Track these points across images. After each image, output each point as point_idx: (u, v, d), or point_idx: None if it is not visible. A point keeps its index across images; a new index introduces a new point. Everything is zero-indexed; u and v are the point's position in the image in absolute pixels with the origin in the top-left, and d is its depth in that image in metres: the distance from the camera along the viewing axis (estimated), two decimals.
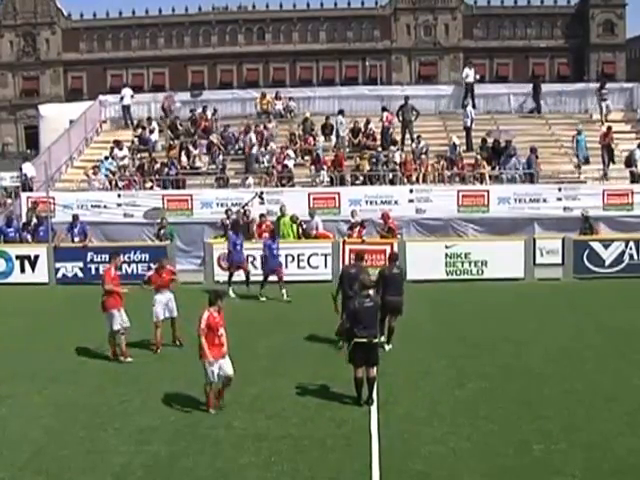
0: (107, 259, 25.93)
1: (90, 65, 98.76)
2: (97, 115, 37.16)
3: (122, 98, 37.00)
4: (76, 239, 26.83)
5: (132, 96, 37.11)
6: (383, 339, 16.99)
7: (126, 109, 36.70)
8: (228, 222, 26.89)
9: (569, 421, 13.06)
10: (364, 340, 13.82)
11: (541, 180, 29.93)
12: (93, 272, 25.55)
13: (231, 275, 24.04)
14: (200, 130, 34.26)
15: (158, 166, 31.57)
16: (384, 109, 33.53)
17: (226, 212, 27.52)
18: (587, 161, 30.99)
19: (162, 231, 26.85)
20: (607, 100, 34.20)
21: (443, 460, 11.68)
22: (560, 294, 23.59)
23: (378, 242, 26.09)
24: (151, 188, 30.70)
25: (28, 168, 31.97)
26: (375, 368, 14.08)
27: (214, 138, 33.23)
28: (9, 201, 34.41)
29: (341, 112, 33.53)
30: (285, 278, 24.91)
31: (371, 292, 14.47)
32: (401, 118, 33.03)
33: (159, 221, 27.34)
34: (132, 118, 36.59)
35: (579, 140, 31.04)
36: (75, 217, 27.33)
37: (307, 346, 17.89)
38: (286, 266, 25.46)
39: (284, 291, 23.16)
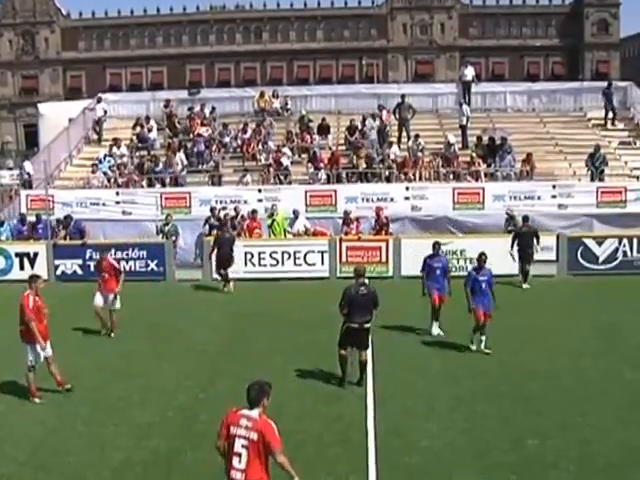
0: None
1: (89, 64, 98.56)
2: (96, 113, 36.99)
3: (92, 110, 36.23)
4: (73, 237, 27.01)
5: (105, 111, 36.01)
6: (525, 285, 24.09)
7: (98, 123, 35.92)
8: (213, 220, 27.07)
9: (563, 417, 13.21)
10: (356, 326, 14.60)
11: (535, 178, 30.10)
12: (92, 269, 25.69)
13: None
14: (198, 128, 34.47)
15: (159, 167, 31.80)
16: (382, 107, 33.71)
17: (211, 210, 27.71)
18: None
19: (167, 227, 27.05)
20: None
21: (439, 455, 11.82)
22: (554, 291, 23.74)
23: (374, 239, 26.28)
24: (149, 186, 30.82)
25: (28, 166, 32.18)
26: (366, 352, 14.88)
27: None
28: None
29: (373, 116, 33.57)
30: (282, 275, 25.10)
31: (366, 280, 15.11)
32: (397, 116, 33.17)
33: (164, 217, 27.53)
34: (102, 133, 35.82)
35: None
36: (68, 217, 27.48)
37: (304, 342, 17.94)
38: (282, 263, 25.66)
39: (483, 338, 17.34)
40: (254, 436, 8.37)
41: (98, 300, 19.03)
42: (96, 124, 35.96)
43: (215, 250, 24.41)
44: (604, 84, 36.71)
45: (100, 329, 19.07)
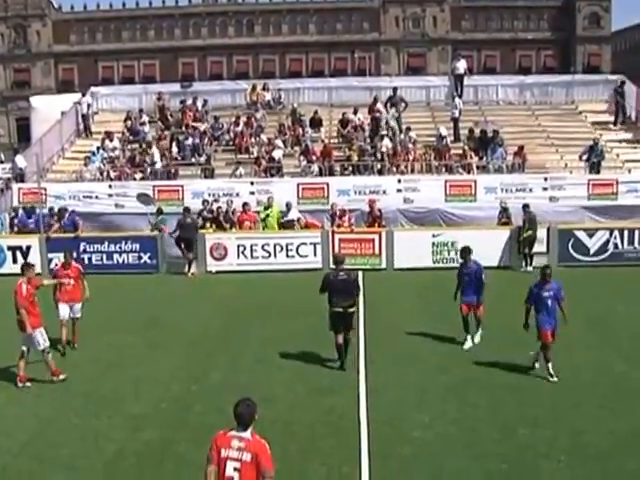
0: (100, 249, 26.27)
1: (81, 57, 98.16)
2: (82, 108, 36.60)
3: (79, 104, 35.93)
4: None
5: (89, 105, 35.86)
6: (529, 268, 24.87)
7: (85, 118, 35.80)
8: (206, 213, 27.12)
9: (554, 407, 13.30)
10: (340, 310, 15.20)
11: (527, 170, 30.20)
12: (86, 262, 25.68)
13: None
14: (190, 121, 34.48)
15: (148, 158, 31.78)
16: (377, 99, 33.81)
17: (203, 203, 27.79)
18: None
19: (155, 220, 27.16)
20: None
21: (431, 445, 11.88)
22: None
23: (366, 231, 26.35)
24: (142, 179, 30.84)
25: (20, 160, 32.17)
26: (351, 332, 15.56)
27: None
28: None
29: (394, 105, 33.59)
30: (275, 267, 25.08)
31: (345, 266, 15.86)
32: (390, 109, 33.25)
33: (155, 210, 27.59)
34: (91, 127, 35.86)
35: None
36: (63, 209, 27.50)
37: (297, 334, 18.00)
38: (275, 255, 25.72)
39: (550, 365, 14.96)
40: (247, 457, 7.85)
41: (64, 312, 17.28)
42: (83, 118, 35.83)
43: (177, 233, 25.87)
44: (597, 77, 36.85)
45: (62, 343, 17.19)
